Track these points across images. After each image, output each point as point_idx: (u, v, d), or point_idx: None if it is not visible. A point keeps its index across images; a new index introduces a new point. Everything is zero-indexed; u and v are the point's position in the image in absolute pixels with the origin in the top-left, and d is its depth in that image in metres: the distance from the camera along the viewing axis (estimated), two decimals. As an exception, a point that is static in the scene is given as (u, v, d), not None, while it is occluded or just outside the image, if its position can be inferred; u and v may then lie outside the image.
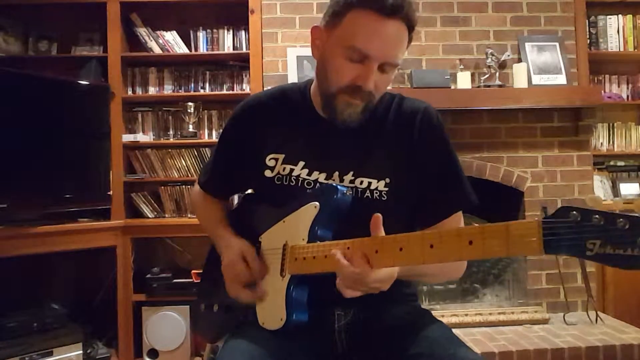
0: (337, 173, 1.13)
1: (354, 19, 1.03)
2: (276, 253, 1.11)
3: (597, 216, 0.66)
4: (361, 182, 1.12)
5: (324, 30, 1.10)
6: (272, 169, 1.17)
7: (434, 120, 1.17)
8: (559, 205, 2.91)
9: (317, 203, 1.06)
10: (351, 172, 1.12)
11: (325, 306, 1.09)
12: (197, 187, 1.36)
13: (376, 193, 1.11)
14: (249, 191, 1.32)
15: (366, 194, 1.12)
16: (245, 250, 1.14)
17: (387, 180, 1.12)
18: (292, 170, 1.15)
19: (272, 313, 1.07)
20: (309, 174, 1.14)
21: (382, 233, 0.94)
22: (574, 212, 0.68)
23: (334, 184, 1.09)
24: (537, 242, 0.72)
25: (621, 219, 0.65)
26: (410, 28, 1.06)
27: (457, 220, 1.17)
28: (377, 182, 1.12)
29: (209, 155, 3.11)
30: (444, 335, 1.06)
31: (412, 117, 1.16)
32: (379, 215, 0.94)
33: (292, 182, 1.15)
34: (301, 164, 1.15)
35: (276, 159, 1.17)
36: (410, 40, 1.08)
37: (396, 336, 1.08)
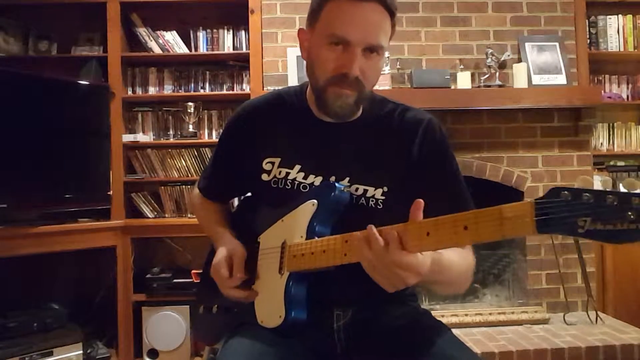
0: (333, 177, 1.12)
1: (330, 10, 1.05)
2: (275, 252, 1.11)
3: (587, 194, 0.68)
4: (356, 189, 1.11)
5: (308, 30, 1.13)
6: (268, 172, 1.18)
7: (437, 132, 1.15)
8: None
9: (314, 201, 1.07)
10: (347, 178, 1.12)
11: (324, 306, 1.09)
12: (196, 190, 1.38)
13: (372, 201, 1.11)
14: (248, 194, 1.33)
15: (361, 201, 1.12)
16: (234, 252, 1.14)
17: (385, 189, 1.11)
18: (288, 173, 1.15)
19: (270, 311, 1.07)
20: (305, 178, 1.14)
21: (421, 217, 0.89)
22: (565, 191, 0.70)
23: (332, 182, 1.10)
24: (530, 223, 0.73)
25: (610, 195, 0.66)
26: (390, 13, 1.05)
27: None
28: (374, 190, 1.11)
29: (209, 155, 3.12)
30: (443, 337, 1.06)
31: (414, 128, 1.14)
32: (421, 200, 0.90)
33: (288, 186, 1.15)
34: (297, 167, 1.15)
35: (272, 163, 1.17)
36: (393, 27, 1.08)
37: (395, 337, 1.08)
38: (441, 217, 0.85)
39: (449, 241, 0.84)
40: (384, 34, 1.05)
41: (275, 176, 1.17)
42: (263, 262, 1.14)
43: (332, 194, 1.06)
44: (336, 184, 1.08)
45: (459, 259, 1.01)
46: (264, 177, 1.18)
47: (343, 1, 1.03)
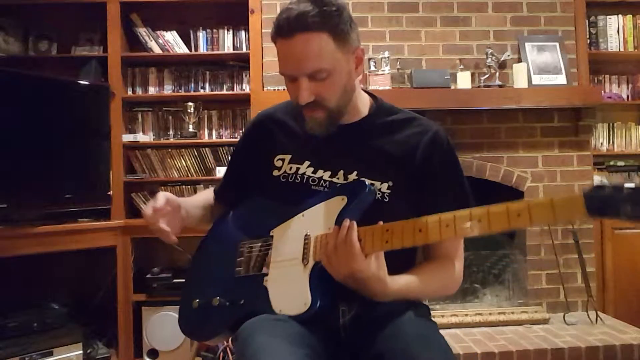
0: (342, 172, 1.18)
1: (277, 51, 1.15)
2: (295, 243, 1.14)
3: (627, 187, 0.85)
4: None
5: None
6: (279, 169, 1.24)
7: (442, 142, 1.20)
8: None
9: (344, 196, 1.11)
10: (355, 172, 1.17)
11: (332, 302, 1.10)
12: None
13: (379, 194, 1.15)
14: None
15: None
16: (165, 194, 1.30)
17: (390, 183, 1.16)
18: (297, 169, 1.21)
19: (292, 299, 1.09)
20: (314, 172, 1.20)
21: None
22: (607, 187, 0.86)
23: (363, 181, 1.14)
24: (581, 206, 0.87)
25: None
26: (323, 30, 1.08)
27: (458, 242, 1.21)
28: (380, 184, 1.16)
29: (209, 155, 3.15)
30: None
31: (419, 137, 1.19)
32: None
33: (298, 180, 1.20)
34: (307, 163, 1.21)
35: (283, 160, 1.24)
36: (340, 34, 1.10)
37: (401, 332, 1.07)
38: (493, 206, 0.95)
39: (505, 226, 0.95)
40: (321, 56, 1.09)
41: (285, 172, 1.23)
42: (278, 254, 1.16)
43: (363, 192, 1.10)
44: (366, 183, 1.12)
45: (431, 278, 1.16)
46: (275, 173, 1.24)
47: (279, 42, 1.12)
